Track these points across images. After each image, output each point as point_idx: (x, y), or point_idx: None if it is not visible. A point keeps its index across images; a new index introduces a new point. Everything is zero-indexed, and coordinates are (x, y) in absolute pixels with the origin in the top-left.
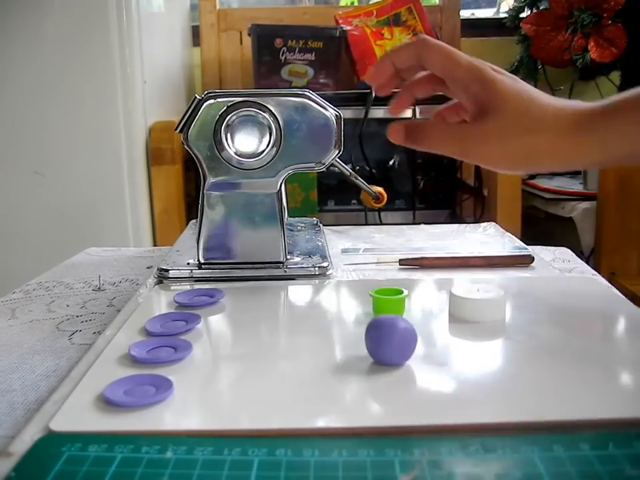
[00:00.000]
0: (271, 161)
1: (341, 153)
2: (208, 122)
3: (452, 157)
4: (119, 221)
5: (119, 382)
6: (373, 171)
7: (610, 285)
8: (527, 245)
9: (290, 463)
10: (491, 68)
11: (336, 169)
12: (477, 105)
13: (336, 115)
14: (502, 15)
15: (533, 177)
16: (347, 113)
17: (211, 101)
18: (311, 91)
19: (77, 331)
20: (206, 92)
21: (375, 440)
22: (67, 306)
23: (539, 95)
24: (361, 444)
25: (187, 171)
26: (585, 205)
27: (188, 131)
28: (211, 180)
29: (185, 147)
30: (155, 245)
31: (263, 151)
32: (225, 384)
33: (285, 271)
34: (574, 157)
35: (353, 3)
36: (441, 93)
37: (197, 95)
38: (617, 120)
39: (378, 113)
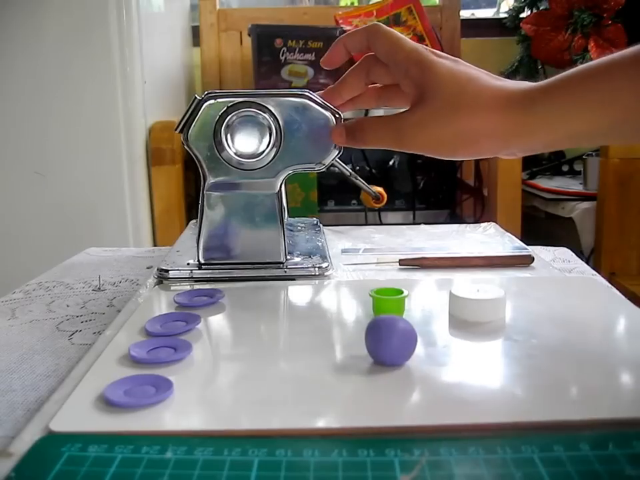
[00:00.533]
0: (270, 161)
1: (341, 153)
2: (208, 122)
3: (390, 149)
4: (118, 221)
5: (119, 382)
6: (373, 170)
7: (610, 284)
8: (527, 245)
9: (290, 463)
10: (433, 53)
11: (336, 169)
12: (415, 90)
13: (336, 115)
14: (502, 15)
15: (533, 176)
16: (347, 113)
17: (211, 101)
18: (310, 91)
19: (76, 331)
20: (206, 92)
21: (375, 440)
22: (67, 306)
23: (481, 76)
24: (361, 444)
25: (186, 170)
26: (585, 205)
27: (188, 131)
28: (210, 180)
29: (185, 147)
30: (154, 245)
31: (263, 152)
32: (224, 384)
33: (285, 271)
34: (516, 138)
35: (352, 3)
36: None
37: (196, 95)
38: (557, 97)
39: (378, 112)
